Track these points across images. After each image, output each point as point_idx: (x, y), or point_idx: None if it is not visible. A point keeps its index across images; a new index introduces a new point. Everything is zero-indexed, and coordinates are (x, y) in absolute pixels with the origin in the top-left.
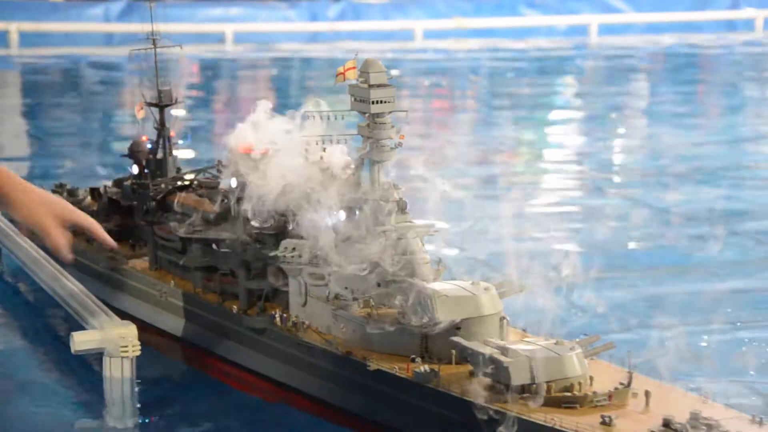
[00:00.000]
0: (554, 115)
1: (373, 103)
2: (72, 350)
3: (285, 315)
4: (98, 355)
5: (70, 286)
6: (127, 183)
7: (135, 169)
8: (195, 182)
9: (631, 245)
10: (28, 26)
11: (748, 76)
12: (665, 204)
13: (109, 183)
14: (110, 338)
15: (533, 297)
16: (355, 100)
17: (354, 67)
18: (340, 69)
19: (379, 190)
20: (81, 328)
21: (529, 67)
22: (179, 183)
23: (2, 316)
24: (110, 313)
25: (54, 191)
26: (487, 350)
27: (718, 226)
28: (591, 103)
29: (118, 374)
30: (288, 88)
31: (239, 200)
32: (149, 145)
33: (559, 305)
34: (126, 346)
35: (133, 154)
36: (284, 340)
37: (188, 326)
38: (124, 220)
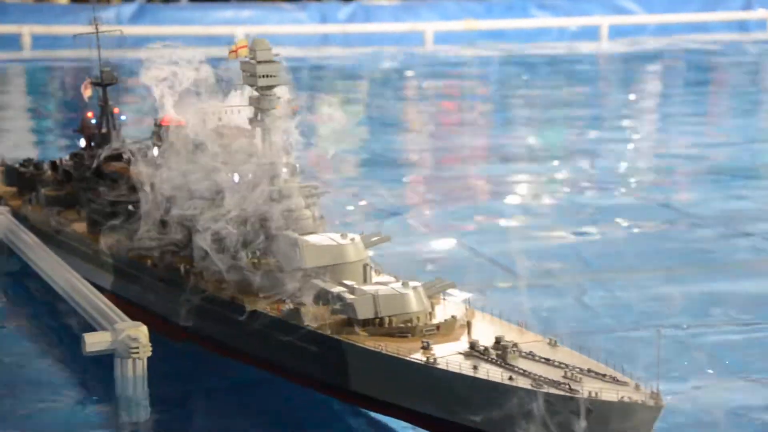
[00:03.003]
0: (565, 115)
1: (260, 77)
2: (83, 351)
3: (189, 267)
4: (110, 356)
5: (81, 288)
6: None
7: (83, 143)
8: (128, 153)
9: (642, 245)
10: (40, 29)
11: (763, 76)
12: (679, 204)
13: (66, 157)
14: (121, 339)
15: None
16: (246, 75)
17: (246, 46)
18: (233, 47)
19: (269, 154)
20: (92, 329)
21: (540, 69)
22: (113, 153)
23: (16, 317)
24: (121, 314)
25: (22, 165)
26: (337, 289)
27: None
28: (602, 104)
29: (130, 375)
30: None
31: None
32: (94, 121)
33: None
34: (137, 348)
35: (82, 129)
36: (188, 290)
37: (115, 281)
38: (74, 188)
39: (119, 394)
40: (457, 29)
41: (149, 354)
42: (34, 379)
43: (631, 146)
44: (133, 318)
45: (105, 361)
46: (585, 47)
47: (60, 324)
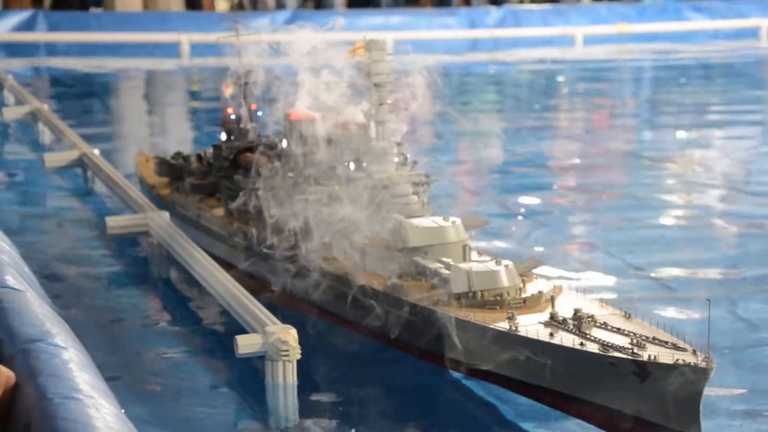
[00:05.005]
0: (719, 121)
1: (374, 74)
2: (236, 353)
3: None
4: (261, 358)
5: (235, 291)
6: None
7: (223, 137)
8: (261, 144)
9: None
10: (197, 37)
11: None
12: None
13: (210, 149)
14: (271, 342)
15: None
16: (362, 72)
17: (363, 47)
18: (351, 48)
19: (380, 145)
20: (244, 331)
21: (694, 73)
22: (247, 145)
23: (170, 323)
24: (272, 317)
25: (172, 158)
26: (435, 265)
27: None
28: (760, 110)
29: (280, 377)
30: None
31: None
32: (233, 116)
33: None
34: (287, 350)
35: (223, 124)
36: (300, 265)
37: (246, 261)
38: (214, 177)
39: (270, 396)
40: (608, 33)
41: (299, 357)
42: (189, 380)
43: None
44: (261, 292)
45: (257, 364)
46: (743, 49)
47: (213, 326)
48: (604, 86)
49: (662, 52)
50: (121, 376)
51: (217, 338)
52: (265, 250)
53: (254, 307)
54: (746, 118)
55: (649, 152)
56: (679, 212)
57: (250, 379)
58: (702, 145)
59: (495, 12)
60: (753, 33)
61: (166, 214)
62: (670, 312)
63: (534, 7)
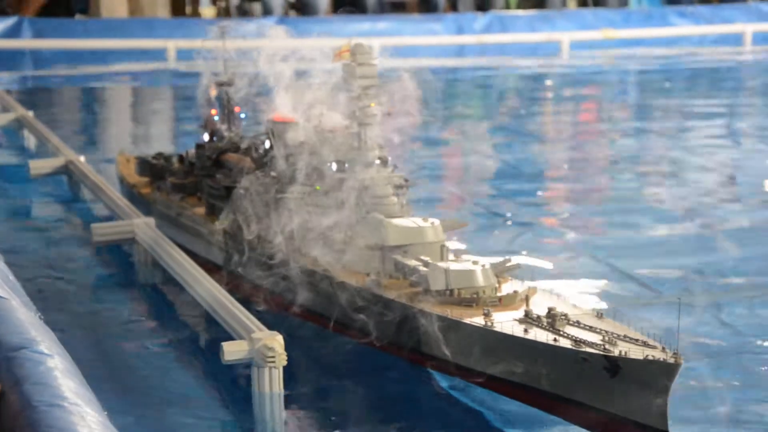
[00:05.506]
0: (701, 127)
1: (358, 78)
2: (222, 360)
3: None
4: (247, 365)
5: (221, 298)
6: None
7: (206, 137)
8: (243, 145)
9: None
10: (183, 43)
11: None
12: None
13: (193, 150)
14: (257, 349)
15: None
16: (347, 76)
17: (348, 50)
18: (337, 51)
19: (364, 147)
20: (230, 338)
21: (679, 78)
22: (230, 146)
23: (156, 330)
24: (258, 323)
25: (153, 158)
26: (413, 263)
27: None
28: (744, 116)
29: (266, 384)
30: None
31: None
32: (216, 118)
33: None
34: (273, 357)
35: (206, 125)
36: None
37: (226, 258)
38: (196, 177)
39: (255, 401)
40: (594, 38)
41: (285, 363)
42: (175, 387)
43: None
44: (243, 291)
45: (242, 370)
46: (727, 55)
47: (198, 333)
48: (591, 91)
49: (648, 58)
50: (106, 383)
51: (204, 345)
52: (247, 249)
53: (240, 313)
54: (731, 123)
55: (636, 157)
56: (666, 217)
57: (236, 385)
58: (688, 150)
59: (481, 18)
60: (737, 39)
61: (151, 221)
62: (656, 315)
63: (520, 13)
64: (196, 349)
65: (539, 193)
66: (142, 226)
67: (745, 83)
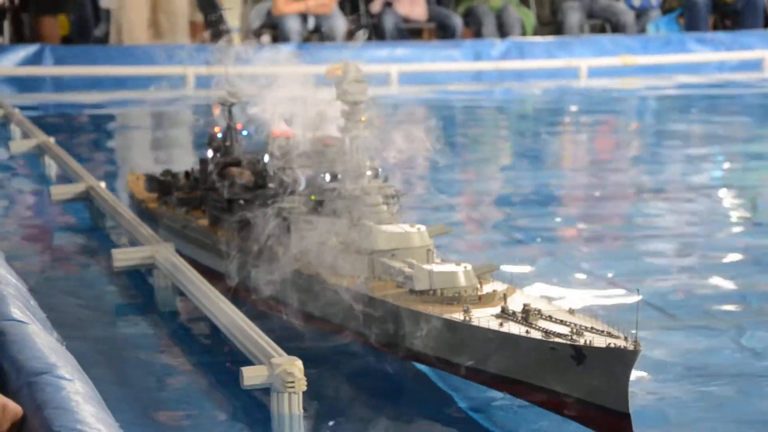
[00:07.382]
0: (724, 153)
1: (349, 93)
2: (241, 385)
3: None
4: (266, 390)
5: (240, 324)
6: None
7: (210, 154)
8: (245, 160)
9: None
10: (202, 70)
11: None
12: None
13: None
14: (277, 374)
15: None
16: (339, 92)
17: (340, 68)
18: (330, 68)
19: (354, 159)
20: (249, 363)
21: (699, 104)
22: (232, 160)
23: (176, 355)
24: (278, 348)
25: (161, 174)
26: (399, 265)
27: None
28: (765, 141)
29: (285, 409)
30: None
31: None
32: (220, 135)
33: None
34: (292, 382)
35: (210, 142)
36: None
37: (229, 266)
38: (200, 190)
39: (275, 428)
40: (613, 65)
41: (304, 388)
42: (195, 412)
43: None
44: (241, 296)
45: (262, 395)
46: (746, 81)
47: (218, 357)
48: (609, 117)
49: (667, 84)
50: (126, 408)
51: (223, 370)
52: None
53: (260, 338)
54: (751, 149)
55: (655, 183)
56: (685, 242)
57: (255, 408)
58: (708, 176)
59: (499, 44)
60: (756, 65)
61: (171, 246)
62: (674, 337)
63: (538, 39)
64: (215, 374)
65: (558, 217)
66: (162, 252)
67: (766, 109)
